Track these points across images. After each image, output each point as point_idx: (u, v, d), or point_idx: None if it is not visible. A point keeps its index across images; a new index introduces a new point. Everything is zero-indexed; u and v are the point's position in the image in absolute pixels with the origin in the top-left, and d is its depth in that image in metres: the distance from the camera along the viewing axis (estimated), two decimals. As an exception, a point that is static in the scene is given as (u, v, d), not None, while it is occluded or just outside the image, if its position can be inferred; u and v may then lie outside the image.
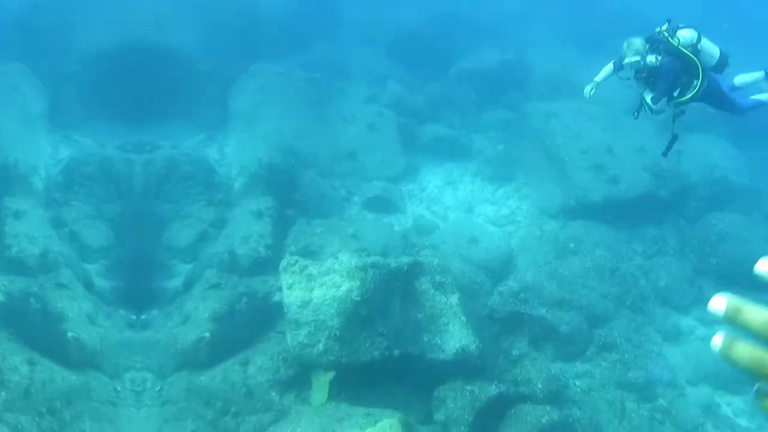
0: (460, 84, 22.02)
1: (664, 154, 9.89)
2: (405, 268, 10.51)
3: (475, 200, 17.54)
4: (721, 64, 9.29)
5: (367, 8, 25.06)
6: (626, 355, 12.86)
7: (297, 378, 9.99)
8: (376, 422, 7.84)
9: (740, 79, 9.71)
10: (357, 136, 18.02)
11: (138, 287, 11.73)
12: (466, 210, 17.06)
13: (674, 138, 9.54)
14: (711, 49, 9.15)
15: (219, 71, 18.86)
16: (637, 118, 9.54)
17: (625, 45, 9.06)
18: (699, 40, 8.98)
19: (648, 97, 9.06)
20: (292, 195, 14.90)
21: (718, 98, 9.38)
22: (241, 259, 12.26)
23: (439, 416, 10.14)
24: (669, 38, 8.82)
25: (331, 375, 9.62)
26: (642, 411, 11.96)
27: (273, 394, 9.88)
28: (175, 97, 17.21)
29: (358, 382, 9.81)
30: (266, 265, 12.27)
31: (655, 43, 8.92)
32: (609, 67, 9.63)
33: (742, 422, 12.56)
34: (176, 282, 12.24)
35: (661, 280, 15.06)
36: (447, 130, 19.78)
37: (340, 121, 18.52)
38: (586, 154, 16.90)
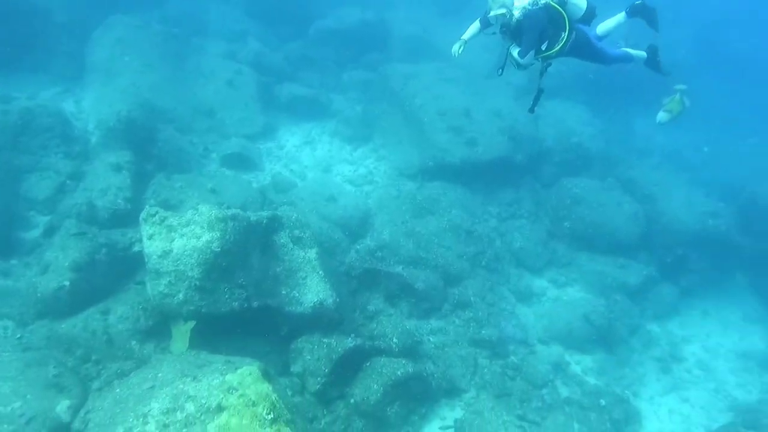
0: (320, 43, 22.67)
1: (531, 110, 9.97)
2: (264, 221, 11.14)
3: (333, 160, 18.29)
4: (589, 16, 9.57)
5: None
6: (480, 314, 13.89)
7: (157, 328, 10.51)
8: (236, 369, 8.41)
9: (603, 27, 10.05)
10: (216, 93, 18.52)
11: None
12: (324, 169, 17.76)
13: (540, 93, 9.70)
14: (578, 0, 9.40)
15: (75, 23, 18.78)
16: (501, 74, 9.58)
17: None
18: None
19: (515, 52, 9.09)
20: (150, 150, 15.18)
21: (586, 50, 9.64)
22: (101, 211, 12.73)
23: (296, 368, 10.90)
24: None
25: (191, 325, 10.08)
26: (494, 367, 12.97)
27: (133, 342, 10.42)
28: (30, 49, 17.38)
29: (218, 333, 10.36)
30: (126, 217, 12.82)
31: None
32: (476, 25, 9.80)
33: (591, 380, 13.78)
34: (35, 233, 12.64)
35: (515, 242, 16.24)
36: (306, 90, 20.40)
37: (198, 78, 18.96)
38: (444, 116, 17.78)
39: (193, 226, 10.14)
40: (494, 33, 9.45)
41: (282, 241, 11.47)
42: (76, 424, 8.83)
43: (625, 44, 10.27)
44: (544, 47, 9.18)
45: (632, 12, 9.99)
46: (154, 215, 10.21)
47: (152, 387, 8.52)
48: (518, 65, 9.21)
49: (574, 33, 9.20)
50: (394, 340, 12.17)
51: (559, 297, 15.79)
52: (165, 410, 7.82)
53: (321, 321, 11.42)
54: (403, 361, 11.54)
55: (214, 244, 9.98)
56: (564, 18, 9.09)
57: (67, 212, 12.63)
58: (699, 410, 13.98)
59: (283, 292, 11.15)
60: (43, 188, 13.47)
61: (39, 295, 10.73)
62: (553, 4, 9.06)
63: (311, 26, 23.06)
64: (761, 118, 27.09)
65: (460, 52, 9.93)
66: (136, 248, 11.54)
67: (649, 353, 15.12)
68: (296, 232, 11.66)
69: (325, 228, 14.29)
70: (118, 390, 8.98)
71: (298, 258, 11.50)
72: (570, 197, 17.18)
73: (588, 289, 16.04)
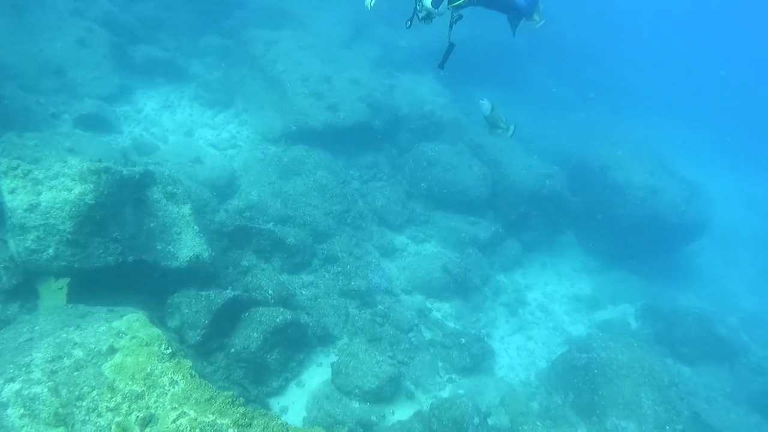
0: (173, 6, 21.15)
1: (441, 65, 9.20)
2: (137, 176, 10.18)
3: (195, 124, 17.34)
4: None
5: None
6: (348, 267, 13.65)
7: (22, 287, 9.23)
8: (121, 316, 7.68)
9: None
10: (64, 51, 16.61)
11: None
12: (186, 133, 16.76)
13: (450, 47, 9.00)
14: None
15: None
16: (410, 27, 8.77)
17: None
18: None
19: (428, 1, 8.31)
20: (-9, 108, 13.34)
21: None
22: (-60, 170, 10.87)
23: (173, 322, 10.13)
24: None
25: (64, 282, 9.09)
26: (364, 315, 12.85)
27: (-5, 304, 9.07)
28: None
29: (89, 291, 9.27)
30: (-31, 176, 10.91)
31: None
32: None
33: (450, 324, 14.13)
34: None
35: (377, 202, 16.08)
36: (162, 53, 19.01)
37: (43, 33, 16.85)
38: (307, 81, 17.24)
39: (63, 179, 9.00)
40: None
41: (155, 196, 10.62)
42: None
43: None
44: None
45: None
46: (16, 168, 8.90)
47: (30, 339, 7.48)
48: (428, 16, 8.46)
49: None
50: (270, 291, 11.72)
51: (419, 251, 15.99)
52: (50, 359, 6.87)
53: (197, 276, 10.71)
54: (281, 309, 11.08)
55: (88, 197, 8.92)
56: None
57: None
58: (541, 345, 15.19)
59: (159, 247, 10.31)
60: None
61: None
62: None
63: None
64: (585, 97, 28.45)
65: (372, 5, 9.10)
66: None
67: (498, 300, 15.93)
68: (169, 188, 10.80)
69: (194, 188, 13.38)
70: (-12, 347, 7.84)
71: (172, 213, 10.70)
72: (426, 160, 17.24)
73: (444, 244, 16.39)
